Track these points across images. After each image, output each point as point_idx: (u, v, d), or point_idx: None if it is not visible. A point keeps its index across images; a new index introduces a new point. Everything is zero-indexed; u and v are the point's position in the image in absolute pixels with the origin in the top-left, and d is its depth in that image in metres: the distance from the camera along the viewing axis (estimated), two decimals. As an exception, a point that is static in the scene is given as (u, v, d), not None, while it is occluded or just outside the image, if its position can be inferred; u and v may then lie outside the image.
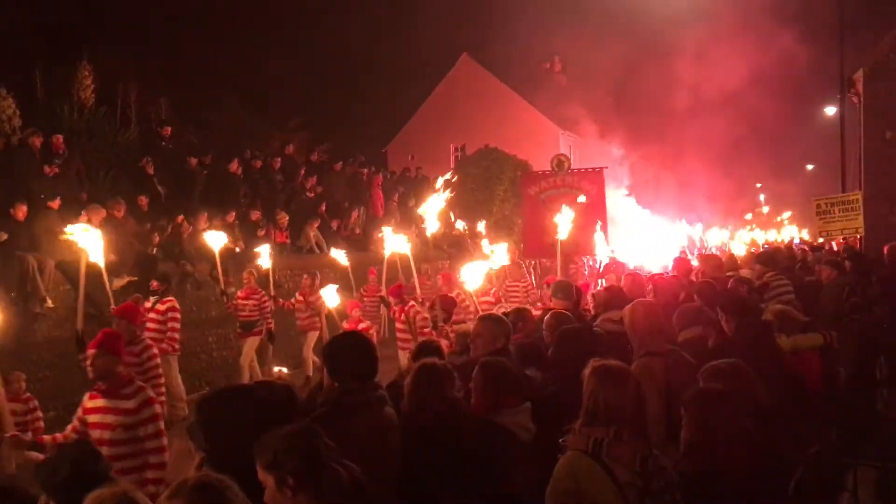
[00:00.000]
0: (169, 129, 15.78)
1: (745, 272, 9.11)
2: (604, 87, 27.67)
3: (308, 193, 17.66)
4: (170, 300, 9.70)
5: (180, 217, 13.70)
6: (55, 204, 11.31)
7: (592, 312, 7.19)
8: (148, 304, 9.54)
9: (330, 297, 7.55)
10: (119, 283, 11.60)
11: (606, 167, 17.21)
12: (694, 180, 36.51)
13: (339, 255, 11.60)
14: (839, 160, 18.30)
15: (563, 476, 3.10)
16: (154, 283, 9.94)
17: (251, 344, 11.61)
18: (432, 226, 9.61)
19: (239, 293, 11.66)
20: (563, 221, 10.19)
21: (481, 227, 19.38)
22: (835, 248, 15.33)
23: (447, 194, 8.64)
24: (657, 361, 4.38)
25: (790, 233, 33.91)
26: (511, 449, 3.62)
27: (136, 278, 12.05)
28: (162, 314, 9.57)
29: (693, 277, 8.80)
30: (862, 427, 6.26)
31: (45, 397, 8.61)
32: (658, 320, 4.73)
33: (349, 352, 3.87)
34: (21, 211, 10.63)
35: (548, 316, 5.55)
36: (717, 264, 8.85)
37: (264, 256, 11.12)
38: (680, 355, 4.55)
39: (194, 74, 19.97)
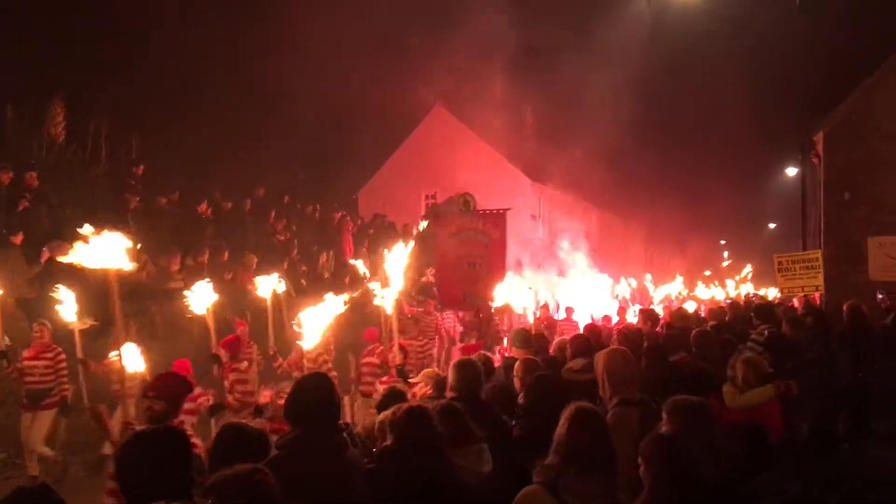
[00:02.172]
0: (142, 167, 15.75)
1: (711, 324, 9.24)
2: (574, 140, 28.25)
3: (278, 236, 17.61)
4: None
5: (144, 257, 13.56)
6: (17, 239, 11.13)
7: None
8: None
9: (131, 358, 5.93)
10: (80, 326, 11.12)
11: (510, 209, 16.01)
12: (660, 237, 37.27)
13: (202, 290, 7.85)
14: (800, 219, 18.82)
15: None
16: None
17: (42, 420, 8.68)
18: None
19: (25, 352, 8.93)
20: (394, 265, 7.46)
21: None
22: (795, 305, 15.63)
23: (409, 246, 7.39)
24: (633, 411, 4.41)
25: (747, 288, 34.58)
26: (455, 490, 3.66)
27: (97, 322, 11.65)
28: None
29: (658, 329, 8.91)
30: (826, 480, 6.33)
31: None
32: (633, 369, 4.77)
33: (307, 395, 3.86)
34: (-17, 245, 10.45)
35: (517, 363, 5.56)
36: (686, 316, 9.03)
37: (66, 303, 8.12)
38: (651, 405, 4.57)
39: (166, 114, 19.92)
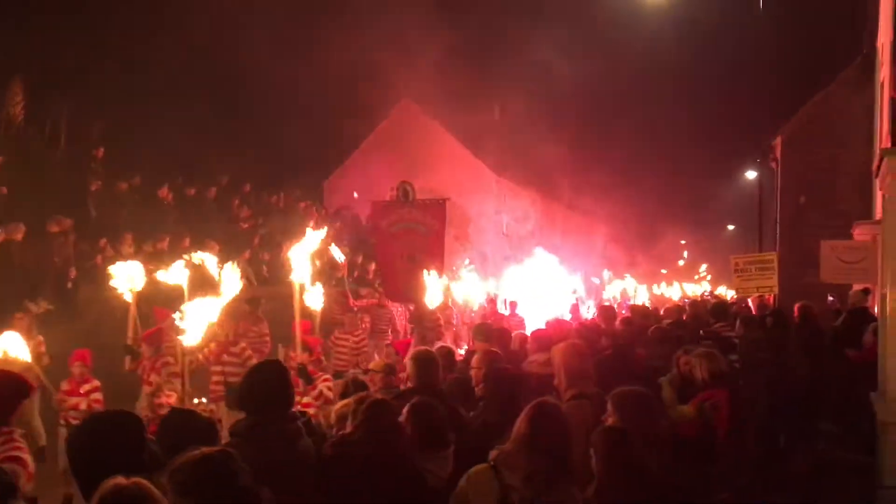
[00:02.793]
0: (102, 150, 15.46)
1: (667, 322, 9.42)
2: (540, 138, 28.46)
3: (242, 224, 17.44)
4: None
5: (103, 240, 13.37)
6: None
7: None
8: None
9: (14, 346, 5.65)
10: (35, 310, 10.76)
11: (449, 199, 15.08)
12: (622, 235, 37.74)
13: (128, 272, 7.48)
14: (757, 222, 19.26)
15: (463, 481, 3.49)
16: None
17: None
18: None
19: None
20: (297, 253, 7.22)
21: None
22: (749, 305, 15.99)
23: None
24: (586, 404, 4.50)
25: (703, 287, 35.33)
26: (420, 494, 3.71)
27: (53, 306, 11.33)
28: None
29: (617, 325, 9.05)
30: (773, 477, 6.52)
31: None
32: (587, 363, 4.87)
33: (261, 381, 3.86)
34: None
35: (477, 355, 5.61)
36: (646, 313, 9.19)
37: None
38: (604, 399, 4.66)
39: (128, 96, 19.54)
